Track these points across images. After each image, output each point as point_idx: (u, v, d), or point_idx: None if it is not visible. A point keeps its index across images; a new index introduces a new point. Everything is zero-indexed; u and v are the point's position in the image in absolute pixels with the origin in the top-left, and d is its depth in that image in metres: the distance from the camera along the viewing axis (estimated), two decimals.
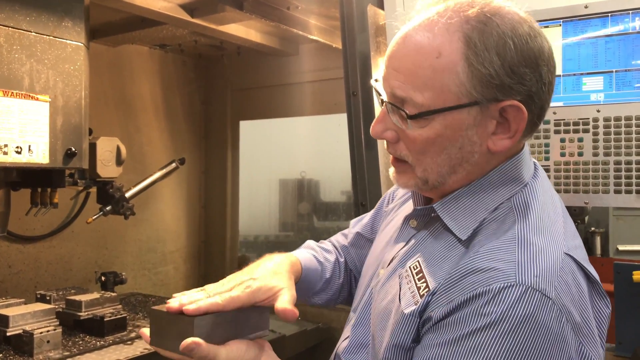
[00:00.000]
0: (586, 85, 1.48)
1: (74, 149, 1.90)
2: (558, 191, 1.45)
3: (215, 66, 3.43)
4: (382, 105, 0.94)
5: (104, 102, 2.86)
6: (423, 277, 0.90)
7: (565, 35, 1.50)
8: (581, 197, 1.50)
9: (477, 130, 0.88)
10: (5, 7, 1.74)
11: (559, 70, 1.48)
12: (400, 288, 0.94)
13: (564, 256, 0.84)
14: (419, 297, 0.88)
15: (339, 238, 1.38)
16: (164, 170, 2.79)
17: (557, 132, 1.52)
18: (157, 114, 3.19)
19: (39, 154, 1.83)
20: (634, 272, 1.62)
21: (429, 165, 0.92)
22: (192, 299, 0.91)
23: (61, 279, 2.67)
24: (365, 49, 1.91)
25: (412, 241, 1.00)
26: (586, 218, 3.13)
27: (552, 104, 0.95)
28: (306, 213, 3.77)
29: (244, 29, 2.75)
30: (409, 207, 1.09)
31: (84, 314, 2.01)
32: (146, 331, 0.94)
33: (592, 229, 3.54)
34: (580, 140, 1.49)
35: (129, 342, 1.98)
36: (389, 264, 1.03)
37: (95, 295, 2.10)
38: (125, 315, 2.09)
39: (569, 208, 1.03)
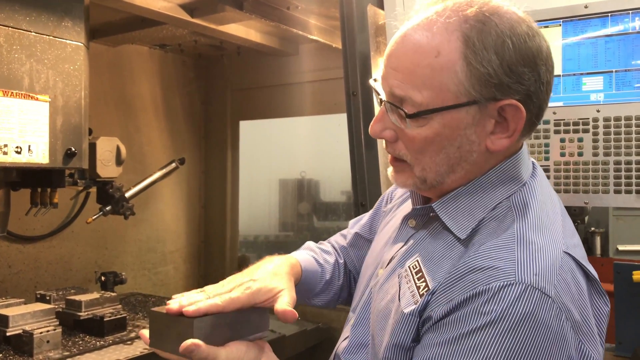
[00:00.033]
0: (586, 85, 1.48)
1: (73, 149, 1.90)
2: (558, 191, 1.45)
3: (215, 66, 3.43)
4: (381, 104, 0.94)
5: (103, 102, 2.86)
6: (422, 276, 0.90)
7: (565, 35, 1.50)
8: (581, 197, 1.50)
9: (475, 129, 0.88)
10: (5, 7, 1.74)
11: (558, 70, 1.48)
12: (399, 288, 0.94)
13: (563, 255, 0.84)
14: (419, 297, 0.88)
15: (337, 239, 1.38)
16: (164, 170, 2.79)
17: (557, 132, 1.52)
18: (157, 114, 3.19)
19: (39, 154, 1.83)
20: (633, 272, 1.62)
21: (427, 165, 0.91)
22: (191, 301, 0.90)
23: (61, 279, 2.67)
24: (365, 48, 1.91)
25: (411, 241, 1.00)
26: (586, 218, 3.12)
27: (551, 104, 0.95)
28: (306, 213, 3.77)
29: (243, 29, 2.75)
30: (407, 206, 1.09)
31: (83, 314, 2.01)
32: (146, 332, 0.94)
33: (592, 229, 3.53)
34: (580, 140, 1.49)
35: (129, 342, 1.98)
36: (388, 264, 1.03)
37: (95, 295, 2.10)
38: (125, 315, 2.09)
39: (568, 208, 1.03)
